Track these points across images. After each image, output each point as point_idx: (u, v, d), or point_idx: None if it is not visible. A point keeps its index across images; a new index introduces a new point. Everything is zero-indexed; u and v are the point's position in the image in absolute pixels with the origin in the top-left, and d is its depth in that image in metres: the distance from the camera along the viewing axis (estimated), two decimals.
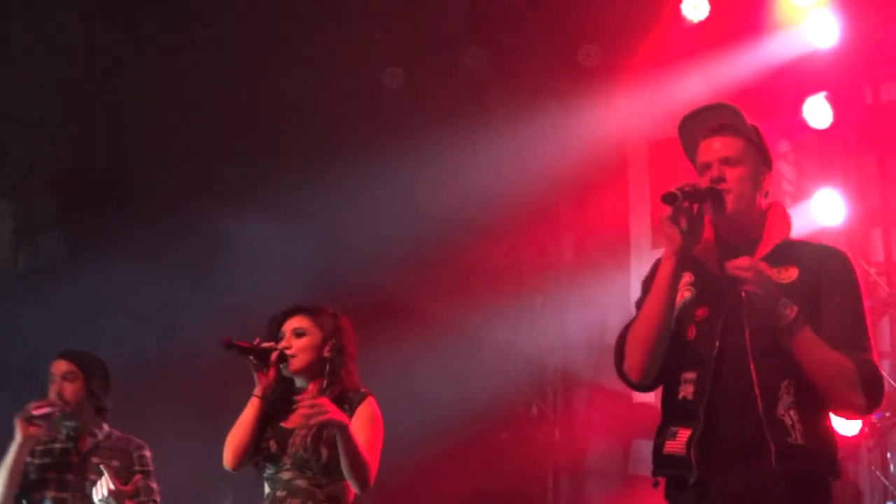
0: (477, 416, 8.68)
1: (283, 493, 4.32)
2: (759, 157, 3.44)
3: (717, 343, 3.27)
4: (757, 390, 3.20)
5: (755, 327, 3.24)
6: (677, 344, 3.34)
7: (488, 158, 8.61)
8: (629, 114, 8.57)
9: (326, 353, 4.48)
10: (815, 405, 3.25)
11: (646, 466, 3.47)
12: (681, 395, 3.32)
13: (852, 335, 3.25)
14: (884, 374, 7.59)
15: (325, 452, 4.28)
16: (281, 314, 4.58)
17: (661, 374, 3.39)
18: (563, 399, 9.35)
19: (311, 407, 4.07)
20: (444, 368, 8.47)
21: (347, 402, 4.39)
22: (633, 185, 9.05)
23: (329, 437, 4.26)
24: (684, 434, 3.27)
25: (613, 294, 8.77)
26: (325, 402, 4.14)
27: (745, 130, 3.43)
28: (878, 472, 7.66)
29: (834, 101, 7.79)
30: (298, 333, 4.49)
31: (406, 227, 8.55)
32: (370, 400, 4.43)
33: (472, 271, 9.26)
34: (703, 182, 3.36)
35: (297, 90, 8.64)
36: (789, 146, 8.46)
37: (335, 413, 4.12)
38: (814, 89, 7.86)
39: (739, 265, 3.20)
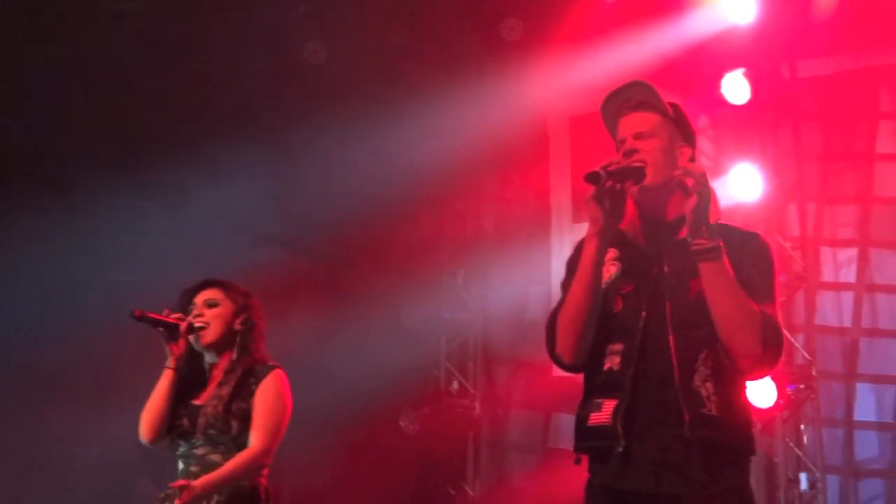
0: (397, 390, 8.68)
1: (197, 469, 4.31)
2: (676, 133, 3.46)
3: (644, 314, 3.29)
4: (675, 362, 3.23)
5: (676, 299, 3.28)
6: (603, 317, 3.36)
7: (410, 133, 8.56)
8: (551, 88, 8.59)
9: (237, 326, 4.50)
10: (731, 378, 3.28)
11: (566, 440, 3.48)
12: (606, 367, 3.34)
13: (763, 295, 3.28)
14: (796, 344, 7.76)
15: (234, 425, 4.32)
16: (193, 287, 4.58)
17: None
18: (484, 373, 9.38)
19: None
20: (364, 343, 8.45)
21: (253, 375, 4.41)
22: (554, 160, 9.09)
23: (238, 409, 4.31)
24: (610, 405, 3.28)
25: (534, 269, 8.82)
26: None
27: (660, 107, 3.45)
28: (791, 444, 7.79)
29: (752, 77, 7.88)
30: (210, 304, 4.50)
31: (325, 201, 8.49)
32: (277, 373, 4.45)
33: (393, 246, 9.23)
34: (618, 157, 3.37)
35: (215, 63, 8.51)
36: (708, 122, 8.55)
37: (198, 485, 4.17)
38: (732, 65, 7.94)
39: (688, 168, 3.25)
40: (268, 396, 4.37)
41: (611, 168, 3.26)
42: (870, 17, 7.82)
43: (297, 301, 8.14)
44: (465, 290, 9.37)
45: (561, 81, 8.36)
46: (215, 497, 4.23)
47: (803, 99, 8.34)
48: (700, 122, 8.54)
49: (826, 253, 8.31)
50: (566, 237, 8.47)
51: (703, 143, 8.48)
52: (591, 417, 3.33)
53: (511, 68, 8.39)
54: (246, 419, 4.32)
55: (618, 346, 3.33)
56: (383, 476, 8.30)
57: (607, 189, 3.25)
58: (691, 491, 3.21)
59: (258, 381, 4.39)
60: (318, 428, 7.98)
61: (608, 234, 3.32)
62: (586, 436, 3.36)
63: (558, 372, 3.54)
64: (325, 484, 8.17)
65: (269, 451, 4.35)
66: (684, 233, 3.29)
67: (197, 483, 4.18)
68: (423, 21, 8.69)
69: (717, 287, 3.20)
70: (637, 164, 3.33)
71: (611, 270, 3.40)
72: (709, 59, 8.00)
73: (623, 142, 3.42)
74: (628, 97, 3.47)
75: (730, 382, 3.28)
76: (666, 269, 3.32)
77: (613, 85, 3.54)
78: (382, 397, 8.47)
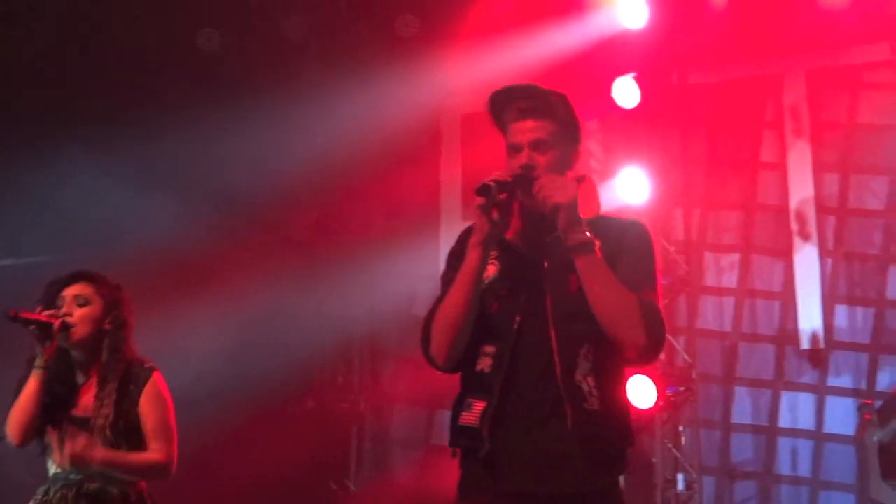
0: (281, 385, 8.61)
1: (79, 477, 4.20)
2: (569, 137, 3.46)
3: (518, 318, 3.30)
4: (556, 357, 3.24)
5: (556, 294, 3.29)
6: (480, 318, 3.35)
7: (301, 126, 8.49)
8: (444, 86, 8.58)
9: (107, 326, 4.36)
10: (612, 373, 3.31)
11: (448, 436, 3.48)
12: (479, 368, 3.33)
13: (643, 281, 3.31)
14: (677, 346, 7.89)
15: (123, 444, 4.24)
16: (62, 279, 4.41)
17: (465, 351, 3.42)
18: (369, 369, 9.36)
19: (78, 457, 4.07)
20: (249, 338, 8.36)
21: (133, 381, 4.31)
22: (445, 157, 9.09)
23: (126, 425, 4.24)
24: (479, 406, 3.29)
25: (422, 265, 8.79)
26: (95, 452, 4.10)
27: (554, 111, 3.42)
28: (670, 445, 7.91)
29: (642, 82, 7.97)
30: (80, 302, 4.34)
31: (212, 194, 8.38)
32: (156, 377, 4.37)
33: (281, 240, 9.16)
34: (513, 166, 3.37)
35: (108, 49, 8.34)
36: (598, 124, 8.63)
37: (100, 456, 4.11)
38: (624, 70, 8.02)
39: (543, 182, 3.26)
40: (154, 403, 4.31)
41: (501, 179, 3.26)
42: (757, 29, 7.98)
43: (179, 294, 8.01)
44: (352, 286, 9.33)
45: (455, 79, 8.36)
46: None
47: (691, 105, 8.47)
48: (591, 125, 8.62)
49: (709, 258, 8.47)
50: (455, 234, 8.45)
51: (593, 146, 8.57)
52: (462, 416, 3.34)
53: (405, 65, 8.36)
54: (136, 434, 4.25)
55: (491, 349, 3.33)
56: (264, 470, 8.21)
57: (496, 200, 3.26)
58: (571, 488, 3.22)
59: (139, 388, 4.30)
60: (198, 421, 7.88)
61: (492, 244, 3.34)
62: (457, 434, 3.36)
63: None
64: (204, 477, 8.05)
65: (172, 459, 4.30)
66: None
67: (98, 453, 4.11)
68: (317, 14, 8.63)
69: (593, 280, 3.23)
70: (524, 174, 3.33)
71: (490, 271, 3.39)
72: (601, 63, 8.06)
73: (518, 149, 3.39)
74: (520, 100, 3.43)
75: (611, 377, 3.31)
76: (546, 264, 3.33)
77: (506, 84, 3.52)
78: (265, 391, 8.39)
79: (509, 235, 3.40)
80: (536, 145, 3.37)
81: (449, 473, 3.56)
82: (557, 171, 3.36)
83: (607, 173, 8.17)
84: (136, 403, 4.28)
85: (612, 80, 8.03)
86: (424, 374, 3.46)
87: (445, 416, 3.45)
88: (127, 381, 4.30)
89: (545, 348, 3.26)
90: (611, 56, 8.03)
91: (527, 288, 3.33)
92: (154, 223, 8.23)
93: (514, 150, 3.40)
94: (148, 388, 4.31)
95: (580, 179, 3.47)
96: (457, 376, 3.47)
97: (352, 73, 8.46)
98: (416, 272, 8.82)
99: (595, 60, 8.02)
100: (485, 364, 3.33)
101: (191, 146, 8.14)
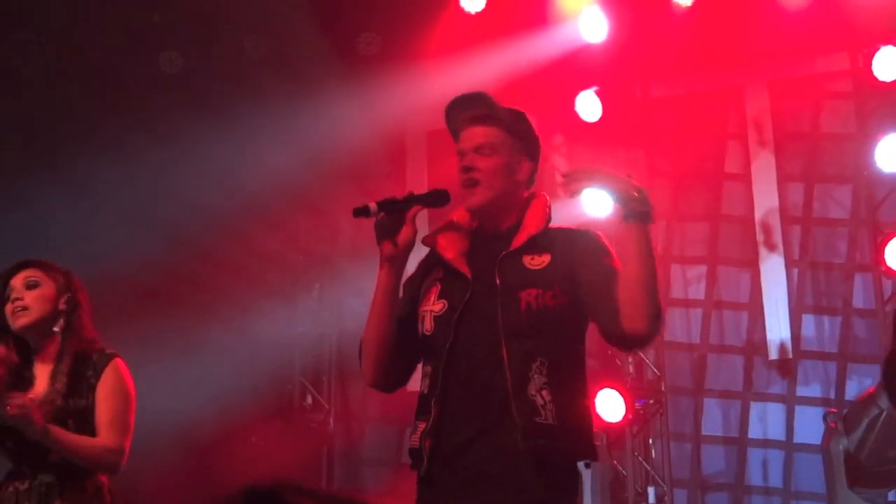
0: (250, 405, 8.55)
1: (32, 469, 4.05)
2: (519, 147, 3.48)
3: (451, 337, 3.30)
4: (507, 372, 3.22)
5: (507, 311, 3.28)
6: (421, 339, 3.40)
7: (266, 145, 8.47)
8: (408, 103, 8.57)
9: (62, 306, 4.24)
10: (569, 386, 3.29)
11: None
12: (421, 388, 3.38)
13: (612, 280, 3.30)
14: (646, 359, 7.88)
15: (71, 424, 4.07)
16: (8, 270, 4.29)
17: (408, 371, 3.51)
18: (338, 388, 9.32)
19: (19, 406, 3.88)
20: (217, 357, 8.30)
21: (91, 366, 4.16)
22: (410, 174, 9.09)
23: (76, 406, 4.08)
24: (421, 426, 3.31)
25: None
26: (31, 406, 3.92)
27: (503, 120, 3.46)
28: (640, 458, 7.90)
29: (604, 95, 7.99)
30: (30, 284, 4.22)
31: (179, 212, 8.33)
32: (117, 363, 4.21)
33: (248, 259, 9.11)
34: (458, 168, 3.43)
35: (71, 69, 8.30)
36: (563, 139, 8.65)
37: (36, 417, 3.92)
38: (586, 84, 8.04)
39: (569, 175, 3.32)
40: (112, 393, 4.13)
41: (383, 201, 3.37)
42: (718, 41, 8.01)
43: (148, 314, 7.96)
44: (320, 304, 9.30)
45: (418, 96, 8.34)
46: (56, 501, 4.00)
47: (655, 118, 8.49)
48: (556, 140, 8.64)
49: (676, 270, 8.48)
50: (422, 252, 8.47)
51: (558, 160, 8.59)
52: (411, 438, 3.37)
53: (369, 82, 8.36)
54: (85, 418, 4.08)
55: (429, 369, 3.37)
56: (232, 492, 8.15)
57: (384, 220, 3.38)
58: (512, 502, 3.20)
59: (97, 373, 4.14)
60: (168, 442, 7.81)
61: (398, 261, 3.41)
62: (409, 455, 3.38)
63: (412, 386, 3.54)
64: (173, 498, 7.99)
65: (123, 451, 4.12)
66: (515, 244, 3.37)
67: (39, 415, 3.93)
68: (279, 33, 8.62)
69: (642, 252, 3.26)
70: (442, 191, 3.41)
71: (431, 293, 3.42)
72: (564, 77, 8.09)
73: (463, 154, 3.44)
74: (469, 109, 3.49)
75: (568, 390, 3.29)
76: (498, 281, 3.32)
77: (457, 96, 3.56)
78: (235, 412, 8.33)
79: (450, 256, 3.43)
80: (479, 149, 3.42)
81: None
82: (501, 177, 3.41)
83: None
84: (92, 389, 4.13)
85: (576, 94, 8.05)
86: (394, 392, 3.45)
87: None
88: (84, 365, 4.15)
89: (490, 365, 3.24)
90: (573, 70, 8.06)
91: (468, 307, 3.33)
92: (129, 244, 8.19)
93: (460, 155, 3.46)
94: (107, 376, 4.15)
95: (532, 196, 3.50)
96: None
97: (315, 92, 8.45)
98: None
99: (558, 75, 8.05)
100: (425, 384, 3.37)
101: (156, 167, 8.11)
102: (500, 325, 3.26)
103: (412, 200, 3.40)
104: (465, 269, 3.40)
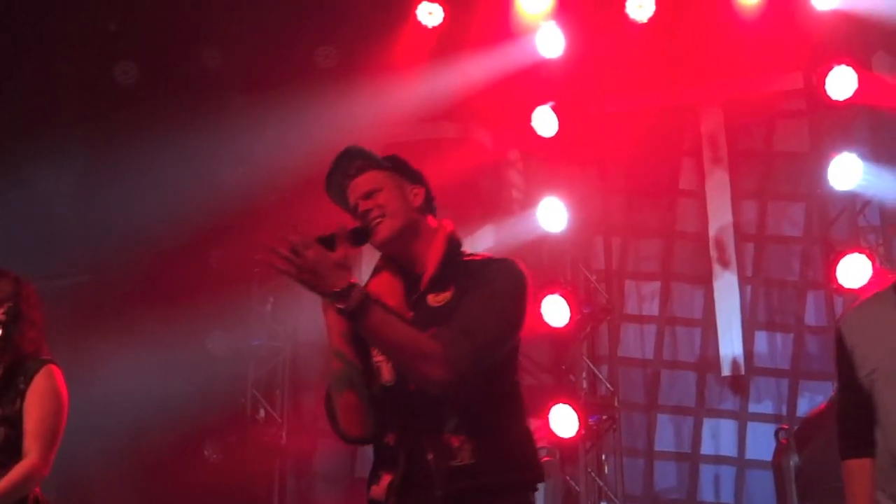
0: (202, 418, 8.48)
1: None
2: (403, 177, 3.41)
3: (412, 387, 3.19)
4: (424, 419, 3.16)
5: None
6: (382, 389, 3.28)
7: (222, 157, 8.44)
8: (366, 116, 8.55)
9: (1, 317, 4.19)
10: (491, 419, 3.20)
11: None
12: (385, 440, 3.25)
13: (465, 320, 3.14)
14: (599, 375, 7.87)
15: (2, 433, 4.04)
16: None
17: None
18: (292, 402, 9.24)
19: None
20: (170, 369, 8.23)
21: (23, 372, 4.13)
22: None
23: (5, 415, 4.04)
24: (387, 479, 3.21)
25: None
26: None
27: (378, 161, 3.39)
28: (593, 474, 7.89)
29: (560, 111, 8.00)
30: None
31: (133, 224, 8.27)
32: (49, 369, 4.17)
33: (202, 272, 9.04)
34: (358, 221, 3.32)
35: (23, 78, 8.24)
36: (519, 154, 8.65)
37: None
38: (543, 99, 8.05)
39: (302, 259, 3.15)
40: (41, 398, 4.09)
41: (291, 245, 3.16)
42: (673, 58, 8.06)
43: (101, 324, 7.89)
44: (274, 318, 9.24)
45: (376, 109, 8.34)
46: None
47: (610, 134, 8.51)
48: (511, 155, 8.65)
49: (630, 286, 8.51)
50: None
51: (514, 176, 8.60)
52: (372, 489, 3.26)
53: (326, 95, 8.34)
54: (15, 425, 4.03)
55: (394, 420, 3.25)
56: None
57: (298, 264, 3.17)
58: None
59: (28, 379, 4.11)
60: (118, 455, 7.75)
61: (329, 304, 3.22)
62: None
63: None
64: None
65: (47, 461, 4.07)
66: (423, 284, 3.27)
67: None
68: (236, 45, 8.58)
69: (375, 335, 3.11)
70: (322, 235, 3.21)
71: None
72: (521, 93, 8.10)
73: (356, 206, 3.34)
74: (345, 168, 3.40)
75: (488, 424, 3.18)
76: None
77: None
78: (187, 425, 8.27)
79: (383, 293, 3.28)
80: (368, 194, 3.33)
81: None
82: (399, 202, 3.32)
83: (529, 203, 8.19)
84: (21, 394, 4.09)
85: (532, 109, 8.05)
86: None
87: (369, 449, 3.38)
88: (15, 373, 4.11)
89: (422, 410, 3.16)
90: (530, 86, 8.06)
91: None
92: (83, 254, 8.13)
93: (354, 210, 3.35)
94: (37, 382, 4.12)
95: (438, 227, 3.40)
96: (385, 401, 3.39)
97: (271, 105, 8.43)
98: None
99: (514, 90, 8.05)
100: (391, 437, 3.25)
101: (111, 177, 8.05)
102: None
103: (338, 239, 3.21)
104: (405, 308, 3.26)
